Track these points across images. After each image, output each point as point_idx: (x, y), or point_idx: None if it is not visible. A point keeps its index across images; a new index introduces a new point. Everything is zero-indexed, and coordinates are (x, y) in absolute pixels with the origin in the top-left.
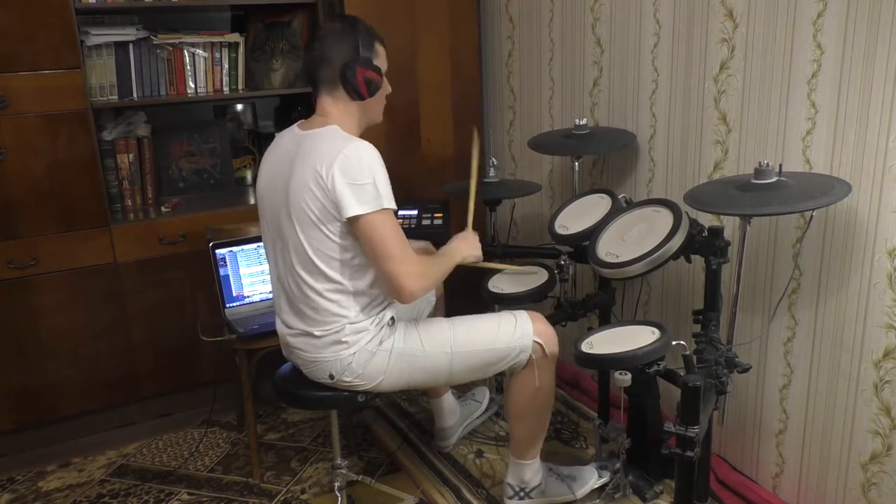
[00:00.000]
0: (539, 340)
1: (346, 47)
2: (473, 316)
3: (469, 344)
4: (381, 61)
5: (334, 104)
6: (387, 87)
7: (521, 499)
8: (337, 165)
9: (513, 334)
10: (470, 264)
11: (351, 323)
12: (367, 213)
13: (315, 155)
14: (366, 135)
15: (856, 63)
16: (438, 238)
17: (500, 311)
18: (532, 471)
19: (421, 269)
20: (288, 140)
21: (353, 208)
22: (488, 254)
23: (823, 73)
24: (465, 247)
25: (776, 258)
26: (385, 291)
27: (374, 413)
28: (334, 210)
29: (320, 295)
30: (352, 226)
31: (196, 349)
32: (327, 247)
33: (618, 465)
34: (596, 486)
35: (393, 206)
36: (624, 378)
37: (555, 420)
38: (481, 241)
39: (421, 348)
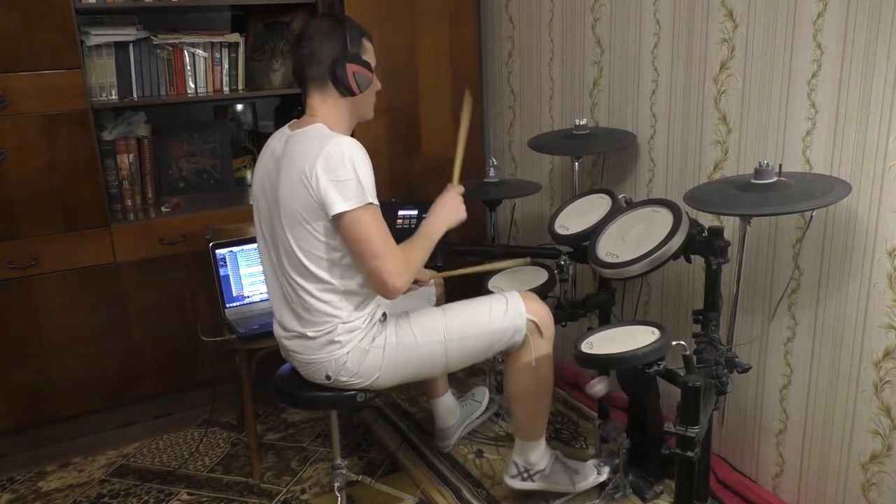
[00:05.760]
0: (533, 318)
1: (334, 44)
2: (464, 301)
3: (462, 330)
4: (369, 57)
5: (323, 102)
6: (376, 84)
7: (524, 479)
8: (320, 163)
9: (504, 315)
10: (451, 273)
11: (343, 323)
12: (352, 210)
13: (300, 155)
14: (367, 135)
15: (856, 63)
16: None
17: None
18: (538, 453)
19: (404, 264)
20: (277, 141)
21: (338, 205)
22: (487, 254)
23: (823, 73)
24: (447, 216)
25: (776, 258)
26: (370, 287)
27: (374, 413)
28: (320, 209)
29: (312, 295)
30: (336, 223)
31: (196, 349)
32: (315, 246)
33: (617, 464)
34: (596, 484)
35: (376, 201)
36: (599, 388)
37: (555, 420)
38: (480, 241)
39: (414, 340)
